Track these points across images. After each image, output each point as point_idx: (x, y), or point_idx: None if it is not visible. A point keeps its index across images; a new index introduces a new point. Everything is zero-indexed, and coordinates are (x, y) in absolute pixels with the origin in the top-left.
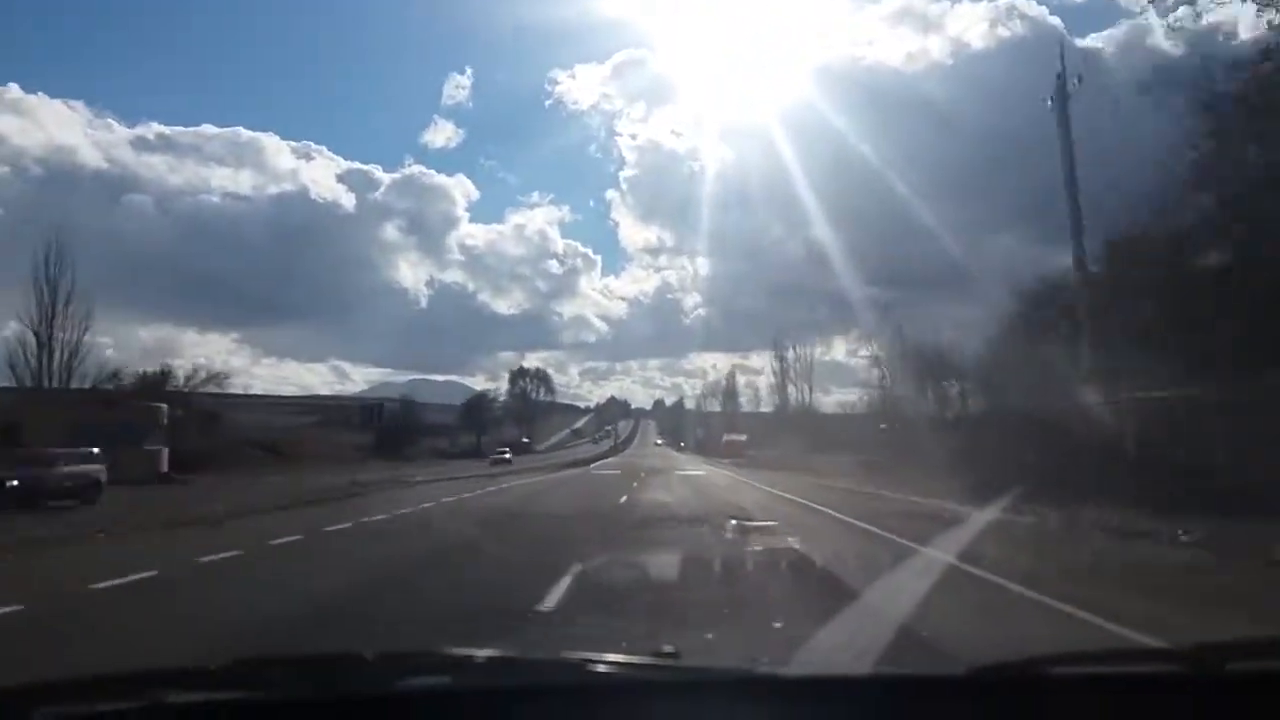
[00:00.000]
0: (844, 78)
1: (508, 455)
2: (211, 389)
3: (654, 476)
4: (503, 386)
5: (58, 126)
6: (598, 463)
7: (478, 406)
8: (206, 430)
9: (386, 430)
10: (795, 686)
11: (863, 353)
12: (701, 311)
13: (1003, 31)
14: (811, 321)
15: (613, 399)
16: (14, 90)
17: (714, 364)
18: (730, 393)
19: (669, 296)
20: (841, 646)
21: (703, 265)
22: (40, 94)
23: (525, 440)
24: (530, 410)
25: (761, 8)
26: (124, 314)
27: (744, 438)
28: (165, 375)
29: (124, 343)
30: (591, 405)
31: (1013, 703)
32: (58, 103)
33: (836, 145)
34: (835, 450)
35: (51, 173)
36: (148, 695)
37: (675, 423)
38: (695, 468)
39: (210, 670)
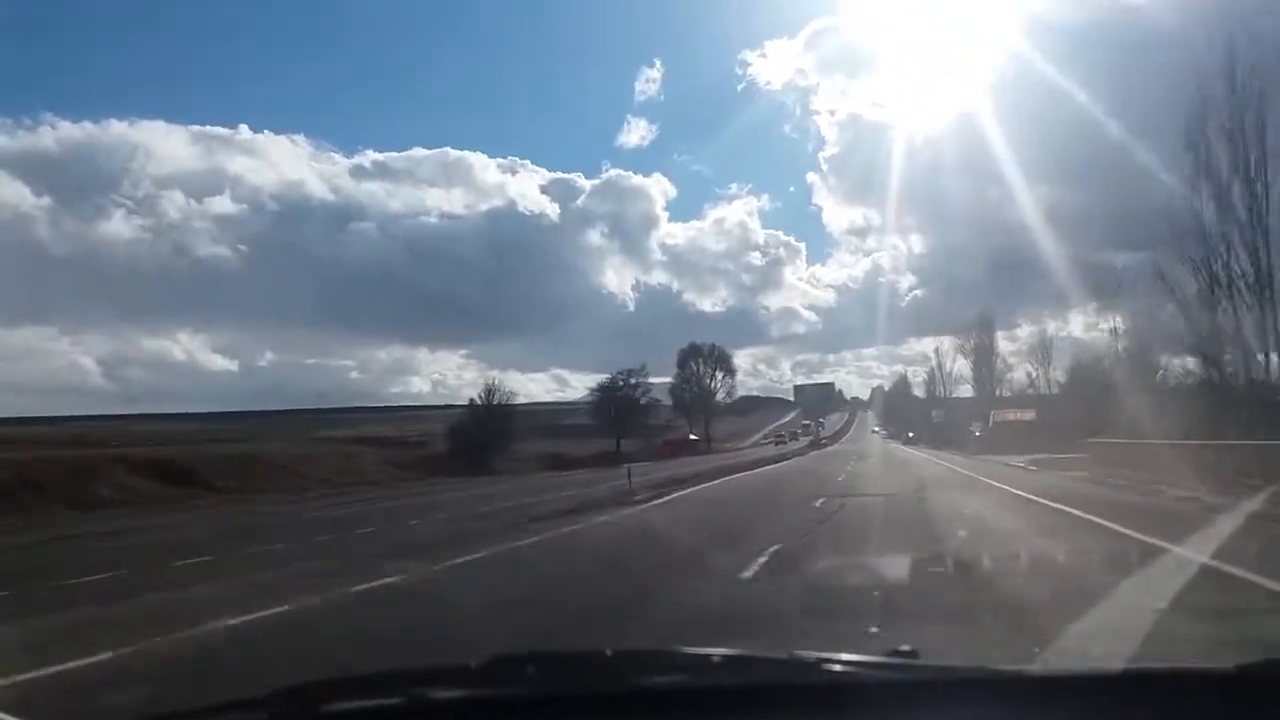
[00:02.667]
0: (1060, 18)
1: None
2: None
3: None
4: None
5: (284, 162)
6: (712, 483)
7: (610, 399)
8: None
9: (463, 435)
10: (1045, 684)
11: (1103, 325)
12: (918, 293)
13: None
14: (1045, 294)
15: (813, 384)
16: (244, 131)
17: (935, 347)
18: (983, 351)
19: (881, 280)
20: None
21: (916, 243)
22: (266, 132)
23: (693, 437)
24: (705, 401)
25: None
26: (361, 339)
27: (1031, 415)
28: None
29: (366, 366)
30: (806, 405)
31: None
32: (282, 138)
33: (1056, 96)
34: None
35: (285, 207)
36: (413, 692)
37: (898, 411)
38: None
39: (470, 667)
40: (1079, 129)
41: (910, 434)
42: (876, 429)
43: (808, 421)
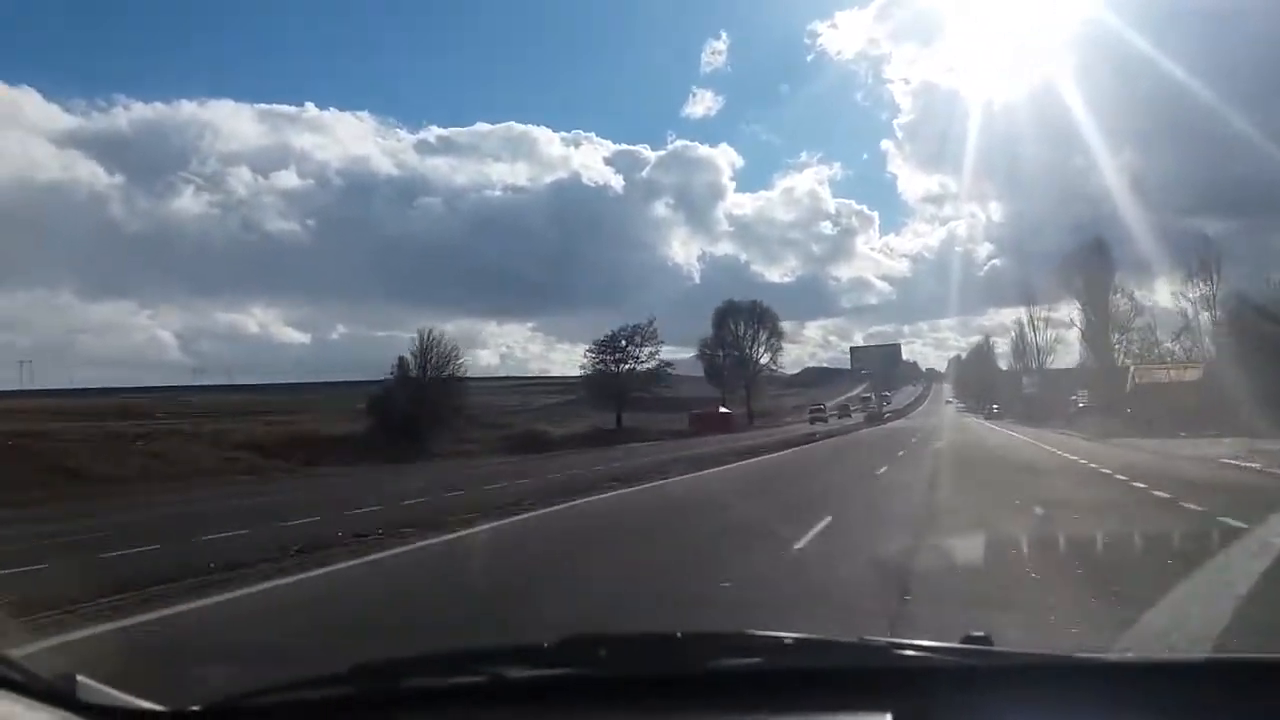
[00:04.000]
0: None
1: None
2: None
3: None
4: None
5: (350, 139)
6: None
7: (604, 365)
8: None
9: (389, 408)
10: (1120, 671)
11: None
12: (996, 262)
13: None
14: (1129, 262)
15: (873, 346)
16: (311, 109)
17: (1015, 319)
18: (1095, 292)
19: (957, 249)
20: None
21: (994, 210)
22: (331, 109)
23: (724, 411)
24: (746, 369)
25: None
26: (429, 311)
27: (1197, 373)
28: None
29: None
30: (864, 370)
31: None
32: (347, 115)
33: (1137, 56)
34: None
35: (351, 183)
36: (489, 671)
37: (978, 381)
38: None
39: (544, 647)
40: (1163, 92)
41: (994, 406)
42: (951, 399)
43: (868, 394)
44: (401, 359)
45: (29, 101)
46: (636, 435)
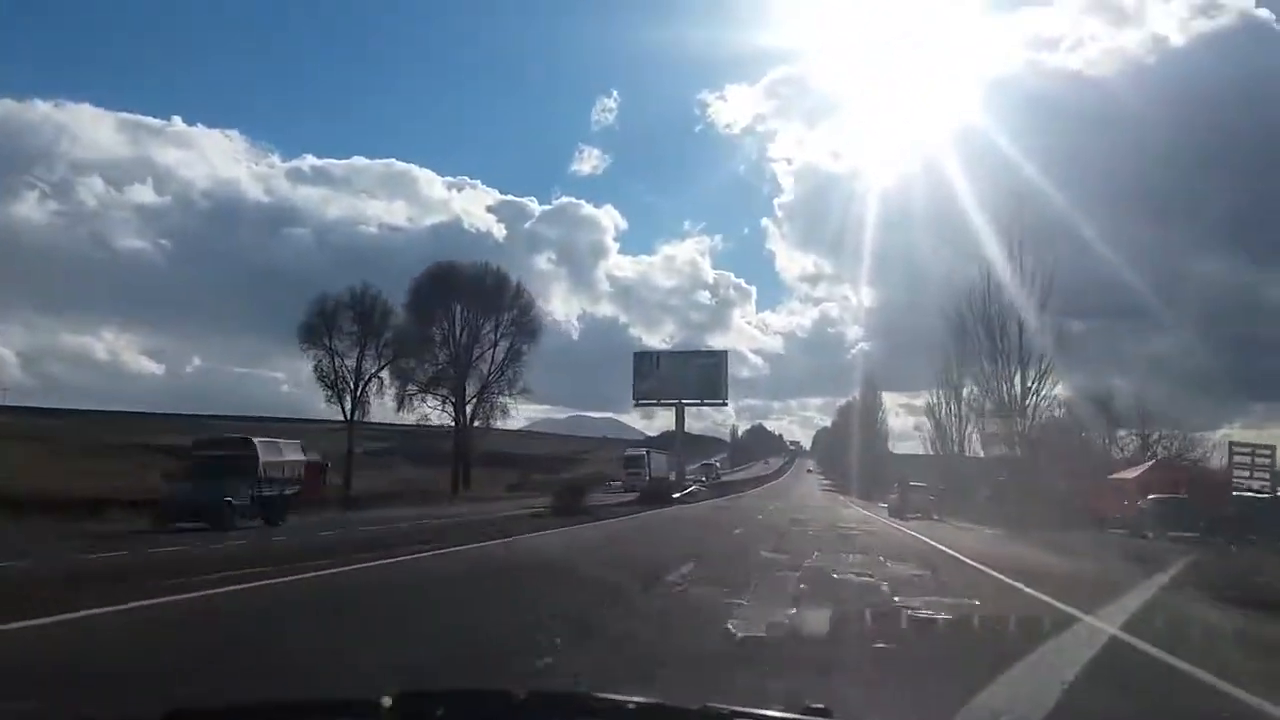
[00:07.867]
0: (1020, 86)
1: None
2: None
3: None
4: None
5: (218, 158)
6: None
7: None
8: None
9: None
10: None
11: (1048, 391)
12: (865, 346)
13: (1202, 25)
14: (993, 354)
15: (667, 355)
16: (178, 123)
17: (902, 403)
18: None
19: (830, 330)
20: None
21: (866, 295)
22: (199, 125)
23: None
24: (458, 391)
25: (926, 14)
26: (293, 350)
27: None
28: None
29: (296, 378)
30: (652, 395)
31: None
32: (216, 133)
33: (1013, 161)
34: None
35: (216, 205)
36: None
37: (846, 457)
38: None
39: (379, 704)
40: (1036, 191)
41: (917, 485)
42: (812, 470)
43: (636, 452)
44: None
45: None
46: None
